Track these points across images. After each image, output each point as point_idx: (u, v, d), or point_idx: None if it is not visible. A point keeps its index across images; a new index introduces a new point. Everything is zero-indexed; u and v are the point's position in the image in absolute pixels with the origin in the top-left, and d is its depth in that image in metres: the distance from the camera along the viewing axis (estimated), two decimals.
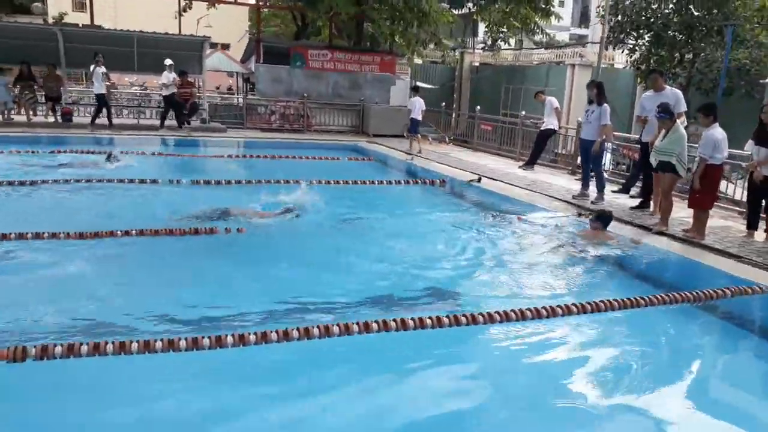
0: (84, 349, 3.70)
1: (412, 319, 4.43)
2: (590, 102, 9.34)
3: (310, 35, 25.12)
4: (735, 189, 9.29)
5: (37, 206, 7.77)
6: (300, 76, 18.30)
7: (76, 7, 33.80)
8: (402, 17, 18.44)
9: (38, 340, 3.87)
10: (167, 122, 15.59)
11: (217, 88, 30.72)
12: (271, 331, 4.07)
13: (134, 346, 3.77)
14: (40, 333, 4.08)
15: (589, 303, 4.99)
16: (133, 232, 6.37)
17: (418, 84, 20.78)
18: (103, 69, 14.17)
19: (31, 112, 14.70)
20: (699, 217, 7.04)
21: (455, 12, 21.04)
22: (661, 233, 7.28)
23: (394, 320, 4.38)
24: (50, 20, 31.12)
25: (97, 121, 14.80)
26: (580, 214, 8.45)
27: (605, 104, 9.01)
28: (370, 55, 19.28)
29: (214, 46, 32.47)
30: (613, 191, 10.29)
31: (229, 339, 3.98)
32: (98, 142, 13.19)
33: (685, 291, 5.32)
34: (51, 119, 14.85)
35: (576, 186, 10.14)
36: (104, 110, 14.77)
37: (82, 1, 26.81)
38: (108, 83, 14.58)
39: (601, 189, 9.12)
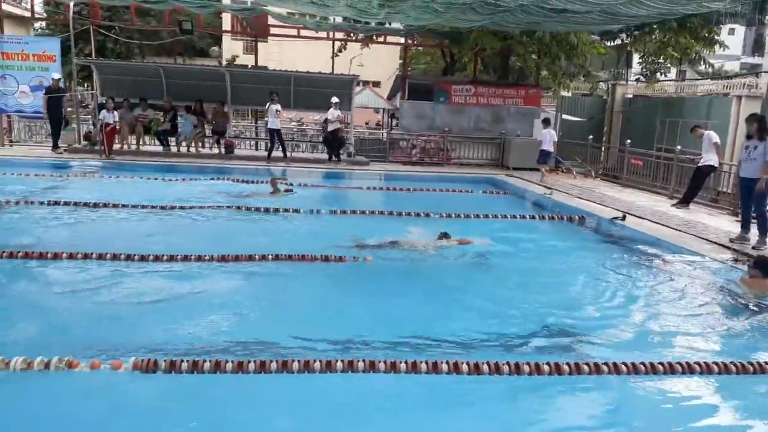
0: (229, 366, 4.04)
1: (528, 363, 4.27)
2: (749, 137, 8.55)
3: (457, 71, 25.46)
4: None
5: (197, 230, 8.57)
6: (443, 111, 18.55)
7: (246, 51, 37.44)
8: (549, 50, 18.07)
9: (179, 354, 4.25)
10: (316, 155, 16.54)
11: (366, 123, 32.12)
12: (380, 361, 4.13)
13: (251, 366, 4.03)
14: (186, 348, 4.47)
15: (734, 363, 4.49)
16: (270, 257, 6.81)
17: (565, 116, 20.21)
18: (277, 106, 15.43)
19: (199, 144, 16.38)
20: None
21: (608, 44, 20.20)
22: None
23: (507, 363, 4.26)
24: (224, 63, 34.74)
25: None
26: (736, 260, 7.62)
27: None
28: (514, 89, 19.09)
29: (366, 83, 34.19)
30: None
31: (339, 365, 4.09)
32: (256, 172, 14.23)
33: None
34: (215, 151, 16.44)
35: (737, 228, 9.16)
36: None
37: (251, 45, 29.67)
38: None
39: (763, 232, 8.16)
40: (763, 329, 5.50)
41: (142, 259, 6.51)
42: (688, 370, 4.42)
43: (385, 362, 4.14)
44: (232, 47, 39.57)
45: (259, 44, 22.29)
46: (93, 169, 13.46)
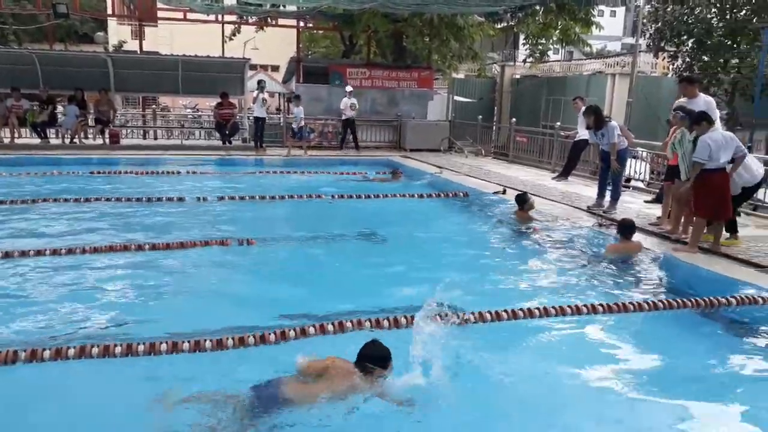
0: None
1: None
2: (588, 128, 9.13)
3: (355, 54, 25.53)
4: None
5: None
6: (339, 94, 18.56)
7: (134, 36, 35.63)
8: (438, 33, 18.49)
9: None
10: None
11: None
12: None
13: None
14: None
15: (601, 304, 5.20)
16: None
17: (457, 97, 20.80)
18: (264, 95, 15.66)
19: (81, 135, 15.52)
20: (696, 225, 6.78)
21: (496, 26, 20.93)
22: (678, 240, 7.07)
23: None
24: (110, 48, 32.93)
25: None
26: (600, 225, 8.28)
27: (610, 123, 8.79)
28: (407, 71, 19.39)
29: (263, 68, 33.53)
30: (646, 201, 10.01)
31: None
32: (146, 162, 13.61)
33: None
34: (99, 141, 15.64)
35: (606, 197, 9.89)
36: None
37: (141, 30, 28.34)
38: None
39: (615, 198, 8.92)
40: (621, 277, 6.27)
41: None
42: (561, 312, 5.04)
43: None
44: (119, 32, 37.54)
45: (149, 29, 21.42)
46: None
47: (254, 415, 3.34)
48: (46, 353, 3.97)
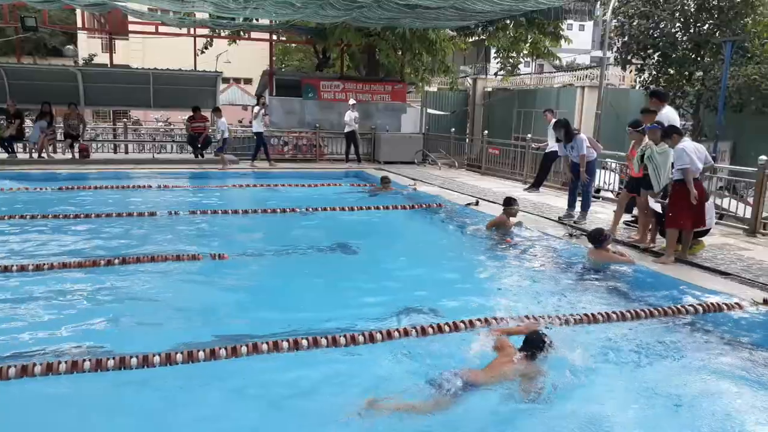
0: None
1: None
2: (558, 140, 9.31)
3: (329, 67, 25.61)
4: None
5: None
6: (312, 107, 18.63)
7: (104, 49, 35.20)
8: (410, 46, 18.67)
9: None
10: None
11: (240, 122, 31.35)
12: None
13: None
14: None
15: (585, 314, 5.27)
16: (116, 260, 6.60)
17: (430, 110, 20.96)
18: (264, 110, 15.52)
19: (50, 149, 15.26)
20: (669, 234, 6.92)
21: (468, 40, 21.20)
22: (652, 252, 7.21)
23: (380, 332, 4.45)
24: (80, 62, 32.54)
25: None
26: (571, 235, 8.40)
27: (579, 135, 8.98)
28: (381, 85, 19.54)
29: (236, 81, 33.44)
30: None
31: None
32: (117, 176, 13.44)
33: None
34: (69, 156, 15.39)
35: (576, 208, 10.03)
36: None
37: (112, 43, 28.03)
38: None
39: (585, 208, 9.07)
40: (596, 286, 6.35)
41: None
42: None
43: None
44: (90, 45, 37.12)
45: (120, 42, 21.22)
46: None
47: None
48: (11, 371, 3.90)
